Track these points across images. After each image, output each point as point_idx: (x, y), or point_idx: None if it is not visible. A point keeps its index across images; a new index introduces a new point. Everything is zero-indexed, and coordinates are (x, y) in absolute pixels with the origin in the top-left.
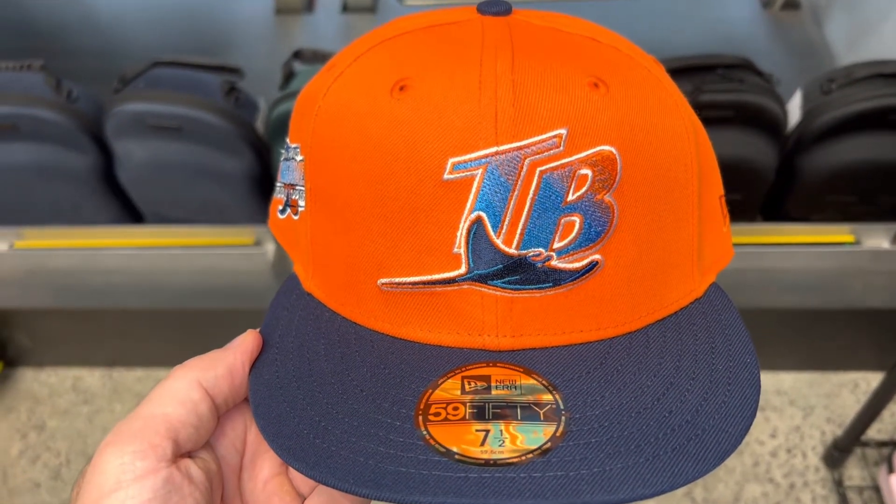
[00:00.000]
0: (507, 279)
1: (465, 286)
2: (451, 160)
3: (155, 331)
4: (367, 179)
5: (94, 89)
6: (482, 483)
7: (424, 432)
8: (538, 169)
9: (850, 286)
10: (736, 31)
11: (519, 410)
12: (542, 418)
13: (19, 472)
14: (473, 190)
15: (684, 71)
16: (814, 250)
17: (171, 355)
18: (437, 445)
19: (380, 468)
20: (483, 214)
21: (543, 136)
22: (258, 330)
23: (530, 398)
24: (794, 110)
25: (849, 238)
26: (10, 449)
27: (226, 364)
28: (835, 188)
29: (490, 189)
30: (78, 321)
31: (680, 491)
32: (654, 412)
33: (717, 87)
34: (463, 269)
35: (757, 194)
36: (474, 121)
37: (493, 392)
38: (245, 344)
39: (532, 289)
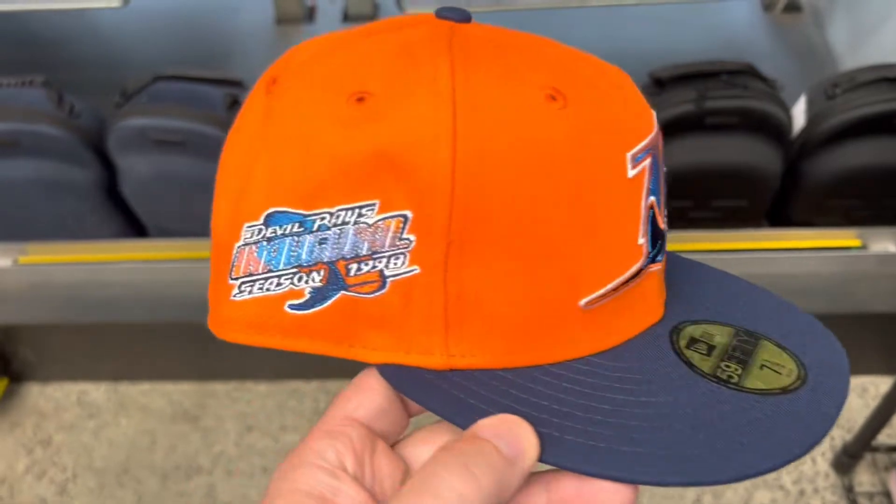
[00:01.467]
0: (658, 255)
1: (644, 272)
2: (628, 154)
3: (160, 344)
4: (559, 195)
5: (95, 102)
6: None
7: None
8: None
9: (857, 291)
10: (738, 35)
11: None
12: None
13: (26, 487)
14: (646, 178)
15: (688, 78)
16: (820, 255)
17: (176, 368)
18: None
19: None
20: (654, 199)
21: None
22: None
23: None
24: (799, 115)
25: (855, 242)
26: (16, 465)
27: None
28: (840, 193)
29: (653, 173)
30: (83, 335)
31: (690, 497)
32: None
33: (722, 93)
34: (643, 256)
35: (762, 200)
36: (635, 112)
37: (720, 342)
38: None
39: (661, 259)
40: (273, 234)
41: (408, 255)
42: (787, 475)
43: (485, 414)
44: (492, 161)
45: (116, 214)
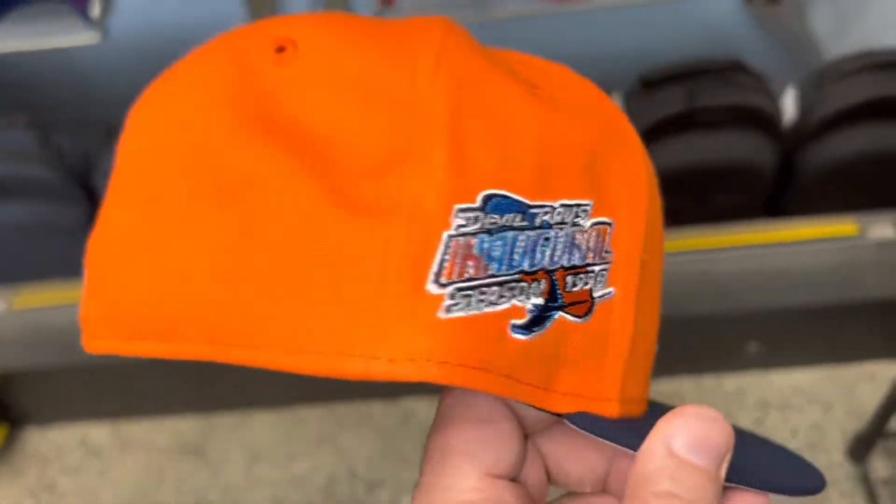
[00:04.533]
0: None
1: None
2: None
3: (160, 379)
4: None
5: (79, 139)
6: None
7: None
8: None
9: (858, 279)
10: (721, 31)
11: None
12: None
13: None
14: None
15: (677, 77)
16: (819, 246)
17: (178, 403)
18: None
19: None
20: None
21: None
22: None
23: None
24: (788, 108)
25: (853, 229)
26: None
27: None
28: (836, 181)
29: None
30: (81, 377)
31: None
32: None
33: (712, 91)
34: None
35: (759, 195)
36: None
37: None
38: None
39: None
40: (494, 225)
41: (608, 273)
42: None
43: None
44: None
45: None
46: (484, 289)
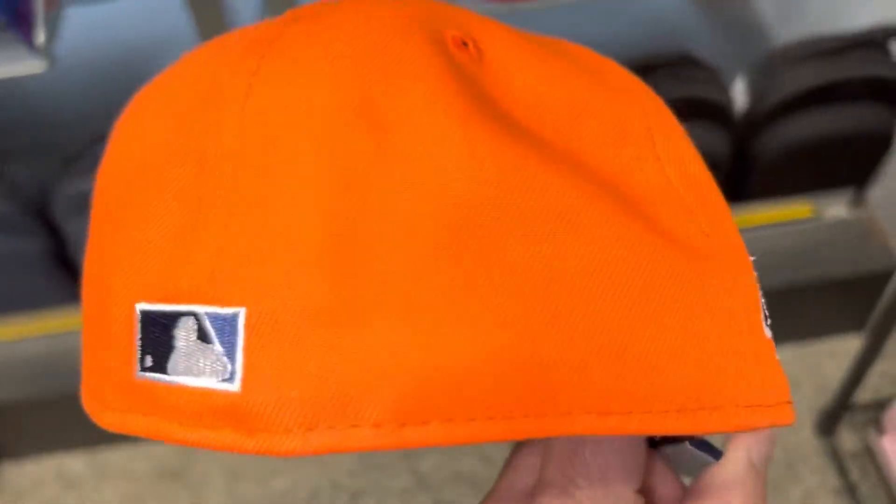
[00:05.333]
0: None
1: None
2: None
3: None
4: None
5: (36, 169)
6: None
7: None
8: None
9: (815, 259)
10: (667, 21)
11: None
12: None
13: None
14: None
15: None
16: (776, 230)
17: None
18: None
19: None
20: None
21: None
22: None
23: None
24: (739, 96)
25: (809, 211)
26: None
27: None
28: (790, 166)
29: None
30: (53, 407)
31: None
32: None
33: (663, 86)
34: None
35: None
36: None
37: None
38: None
39: None
40: None
41: None
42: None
43: None
44: None
45: (69, 281)
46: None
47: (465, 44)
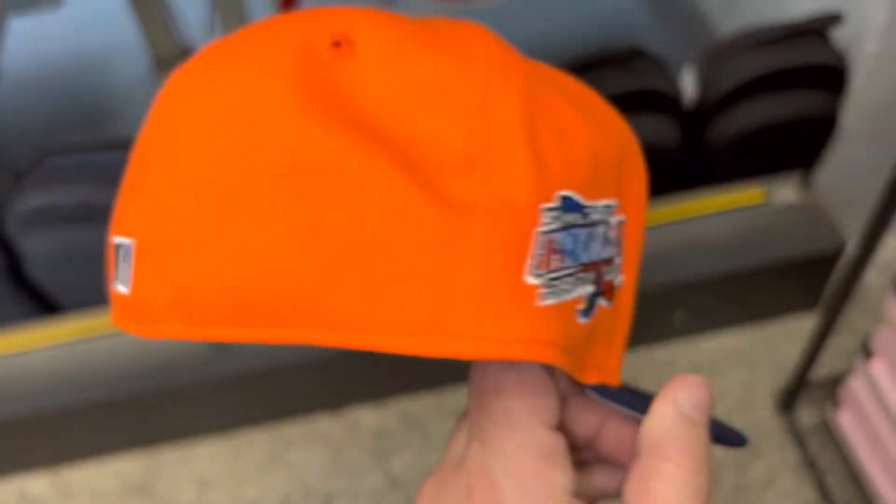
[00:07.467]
0: None
1: None
2: None
3: (97, 420)
4: None
5: None
6: None
7: None
8: None
9: (768, 242)
10: (614, 14)
11: None
12: None
13: None
14: None
15: (577, 69)
16: (728, 216)
17: (118, 441)
18: None
19: None
20: None
21: None
22: None
23: None
24: (688, 86)
25: (760, 196)
26: None
27: None
28: (740, 153)
29: None
30: (13, 429)
31: None
32: None
33: (612, 80)
34: None
35: (668, 174)
36: None
37: None
38: None
39: None
40: (568, 224)
41: (622, 263)
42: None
43: None
44: None
45: (23, 298)
46: (564, 279)
47: (337, 44)
